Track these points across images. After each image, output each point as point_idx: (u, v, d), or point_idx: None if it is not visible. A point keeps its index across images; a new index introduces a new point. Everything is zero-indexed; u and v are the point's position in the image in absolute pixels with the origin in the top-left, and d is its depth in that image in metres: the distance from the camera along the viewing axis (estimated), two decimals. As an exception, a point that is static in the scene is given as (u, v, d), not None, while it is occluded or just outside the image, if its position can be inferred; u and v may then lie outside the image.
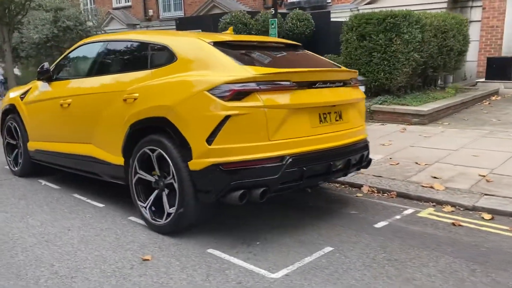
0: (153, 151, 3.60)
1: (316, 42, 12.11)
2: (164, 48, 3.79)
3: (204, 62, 3.50)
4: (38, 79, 5.07)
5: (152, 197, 3.73)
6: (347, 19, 9.10)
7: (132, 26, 23.11)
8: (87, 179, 4.91)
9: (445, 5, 12.70)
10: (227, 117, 3.16)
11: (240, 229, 3.74)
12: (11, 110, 5.60)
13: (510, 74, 11.48)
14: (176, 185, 3.43)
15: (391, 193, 4.60)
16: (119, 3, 24.38)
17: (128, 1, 23.86)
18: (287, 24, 12.40)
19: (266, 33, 11.20)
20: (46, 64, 4.99)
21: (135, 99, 3.74)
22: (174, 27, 20.80)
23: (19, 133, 5.53)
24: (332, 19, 13.04)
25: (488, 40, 12.59)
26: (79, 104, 4.41)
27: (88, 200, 4.64)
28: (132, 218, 4.05)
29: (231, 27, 4.65)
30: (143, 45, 4.03)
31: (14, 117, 5.59)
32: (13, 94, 5.70)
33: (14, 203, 4.64)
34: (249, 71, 3.24)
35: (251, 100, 3.19)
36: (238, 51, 3.62)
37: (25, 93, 5.41)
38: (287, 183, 3.34)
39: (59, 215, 4.23)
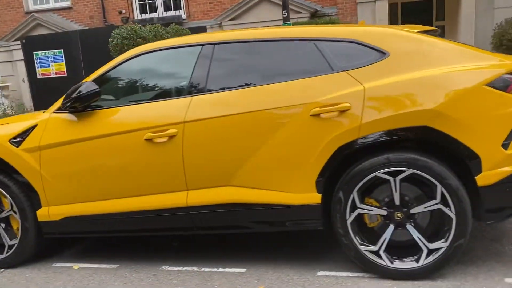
0: (394, 174, 2.74)
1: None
2: (354, 44, 2.96)
3: (430, 54, 2.86)
4: (69, 109, 3.27)
5: (387, 235, 2.84)
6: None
7: None
8: (111, 242, 3.46)
9: (306, 19, 13.67)
10: (523, 113, 2.65)
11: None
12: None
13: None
14: (450, 211, 2.69)
15: None
16: None
17: None
18: (167, 38, 11.37)
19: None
20: (87, 85, 3.22)
21: (342, 111, 2.79)
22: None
23: (11, 200, 3.50)
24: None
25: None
26: (203, 133, 3.02)
27: (215, 269, 3.23)
28: (328, 273, 3.01)
29: (363, 20, 3.91)
30: (305, 44, 3.04)
31: (-6, 176, 3.51)
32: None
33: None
34: (516, 59, 2.82)
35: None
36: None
37: (22, 135, 3.45)
38: None
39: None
